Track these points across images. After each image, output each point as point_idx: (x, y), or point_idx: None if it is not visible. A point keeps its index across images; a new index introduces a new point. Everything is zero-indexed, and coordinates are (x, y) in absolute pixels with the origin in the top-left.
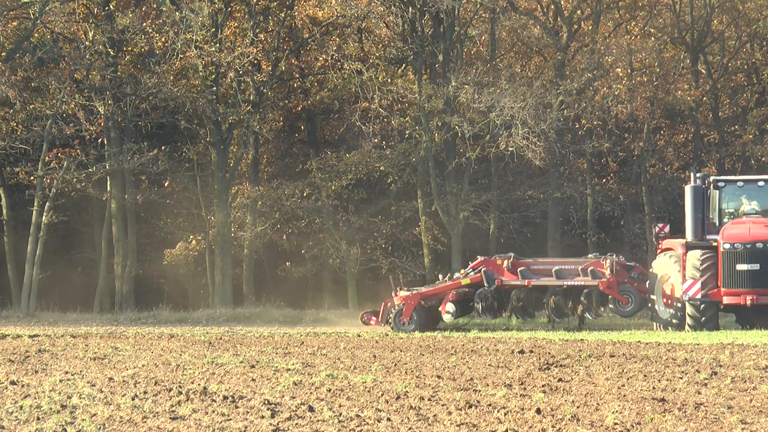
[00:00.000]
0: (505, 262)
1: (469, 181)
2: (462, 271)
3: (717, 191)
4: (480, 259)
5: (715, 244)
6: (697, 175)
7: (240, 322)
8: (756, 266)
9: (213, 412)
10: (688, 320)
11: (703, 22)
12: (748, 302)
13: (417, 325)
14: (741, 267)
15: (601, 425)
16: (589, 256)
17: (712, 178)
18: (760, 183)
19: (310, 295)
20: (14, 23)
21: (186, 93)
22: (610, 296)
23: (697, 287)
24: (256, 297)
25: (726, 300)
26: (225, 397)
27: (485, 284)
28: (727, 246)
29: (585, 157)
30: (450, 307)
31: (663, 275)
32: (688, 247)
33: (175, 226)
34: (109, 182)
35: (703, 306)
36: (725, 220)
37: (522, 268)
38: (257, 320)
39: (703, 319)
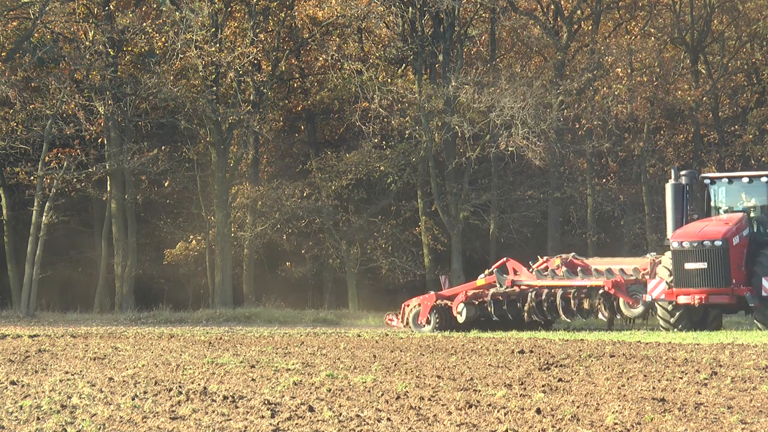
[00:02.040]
0: (558, 261)
1: (469, 181)
2: (486, 270)
3: (706, 189)
4: (504, 258)
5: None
6: (683, 172)
7: (240, 322)
8: (703, 265)
9: (213, 412)
10: (659, 321)
11: (703, 22)
12: (696, 302)
13: (435, 326)
14: (689, 266)
15: (601, 425)
16: (647, 256)
17: (701, 176)
18: (745, 179)
19: (310, 295)
20: (14, 23)
21: (186, 93)
22: (621, 298)
23: (662, 287)
24: (256, 297)
25: (680, 300)
26: (225, 397)
27: (498, 285)
28: (676, 245)
29: (585, 157)
30: (461, 307)
31: None
32: (668, 247)
33: (175, 226)
34: (109, 182)
35: (671, 305)
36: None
37: (572, 268)
38: (257, 320)
39: (672, 316)
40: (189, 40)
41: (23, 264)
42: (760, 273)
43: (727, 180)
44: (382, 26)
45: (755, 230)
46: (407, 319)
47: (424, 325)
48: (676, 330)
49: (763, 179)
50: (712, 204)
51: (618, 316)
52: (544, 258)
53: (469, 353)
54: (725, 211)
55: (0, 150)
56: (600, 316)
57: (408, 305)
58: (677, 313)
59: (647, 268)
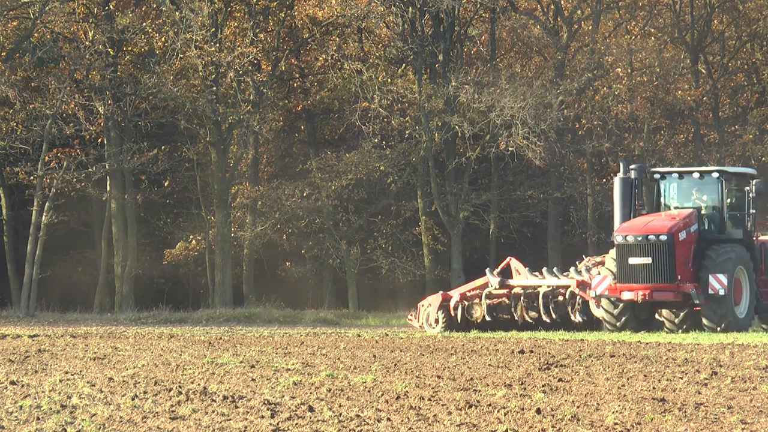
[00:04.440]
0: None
1: (469, 181)
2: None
3: (654, 184)
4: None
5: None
6: (632, 166)
7: (240, 322)
8: (647, 260)
9: (213, 412)
10: (604, 319)
11: (703, 22)
12: (639, 298)
13: (443, 325)
14: (633, 261)
15: (601, 425)
16: None
17: (651, 170)
18: (695, 175)
19: (310, 295)
20: (14, 23)
21: (186, 93)
22: (585, 298)
23: (606, 283)
24: (256, 297)
25: (624, 296)
26: (225, 397)
27: (489, 284)
28: (620, 239)
29: (585, 157)
30: (457, 307)
31: None
32: (612, 242)
33: (175, 226)
34: (109, 182)
35: (615, 302)
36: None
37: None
38: (257, 320)
39: (617, 313)
40: (189, 40)
41: (23, 264)
42: (708, 271)
43: (677, 175)
44: (382, 26)
45: (705, 227)
46: (422, 318)
47: (434, 325)
48: (619, 329)
49: (715, 175)
50: (662, 200)
51: (574, 318)
52: (587, 258)
53: (469, 353)
54: (675, 207)
55: (0, 150)
56: (577, 316)
57: (422, 305)
58: (621, 310)
59: None
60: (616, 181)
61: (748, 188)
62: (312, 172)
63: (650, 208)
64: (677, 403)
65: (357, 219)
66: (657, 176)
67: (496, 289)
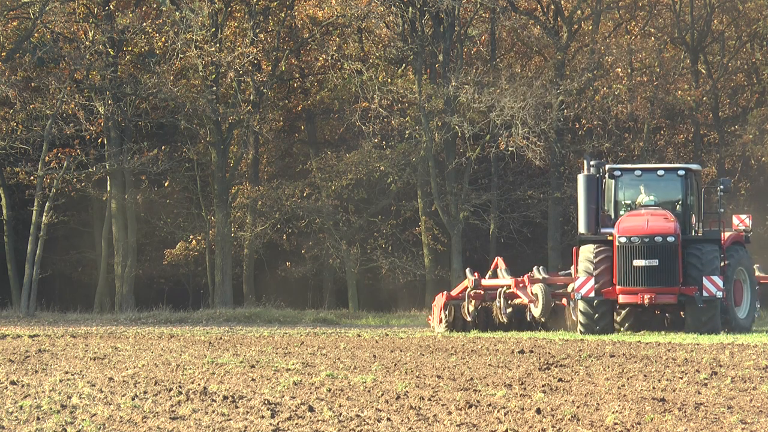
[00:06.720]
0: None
1: (469, 181)
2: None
3: (613, 181)
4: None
5: (610, 237)
6: (592, 163)
7: (240, 322)
8: (654, 262)
9: (213, 412)
10: (581, 320)
11: (703, 22)
12: (646, 301)
13: (447, 325)
14: (638, 263)
15: (601, 425)
16: None
17: (607, 166)
18: (660, 172)
19: (310, 295)
20: (14, 23)
21: (186, 93)
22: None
23: (590, 285)
24: (256, 297)
25: (622, 299)
26: (225, 397)
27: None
28: (623, 240)
29: (585, 157)
30: (447, 307)
31: None
32: (581, 240)
33: (175, 226)
34: (109, 182)
35: (596, 304)
36: (621, 212)
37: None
38: (257, 320)
39: (596, 316)
40: (189, 40)
41: (23, 264)
42: (700, 272)
43: (638, 172)
44: (382, 26)
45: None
46: (434, 318)
47: (439, 325)
48: (596, 331)
49: (681, 173)
50: (620, 198)
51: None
52: None
53: (469, 353)
54: (629, 206)
55: (0, 150)
56: (526, 315)
57: (435, 305)
58: (601, 312)
59: None
60: (581, 179)
61: (720, 187)
62: (312, 172)
63: (609, 207)
64: (677, 403)
65: (357, 219)
66: (617, 173)
67: (472, 289)
